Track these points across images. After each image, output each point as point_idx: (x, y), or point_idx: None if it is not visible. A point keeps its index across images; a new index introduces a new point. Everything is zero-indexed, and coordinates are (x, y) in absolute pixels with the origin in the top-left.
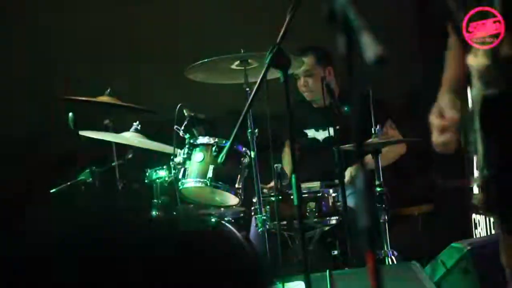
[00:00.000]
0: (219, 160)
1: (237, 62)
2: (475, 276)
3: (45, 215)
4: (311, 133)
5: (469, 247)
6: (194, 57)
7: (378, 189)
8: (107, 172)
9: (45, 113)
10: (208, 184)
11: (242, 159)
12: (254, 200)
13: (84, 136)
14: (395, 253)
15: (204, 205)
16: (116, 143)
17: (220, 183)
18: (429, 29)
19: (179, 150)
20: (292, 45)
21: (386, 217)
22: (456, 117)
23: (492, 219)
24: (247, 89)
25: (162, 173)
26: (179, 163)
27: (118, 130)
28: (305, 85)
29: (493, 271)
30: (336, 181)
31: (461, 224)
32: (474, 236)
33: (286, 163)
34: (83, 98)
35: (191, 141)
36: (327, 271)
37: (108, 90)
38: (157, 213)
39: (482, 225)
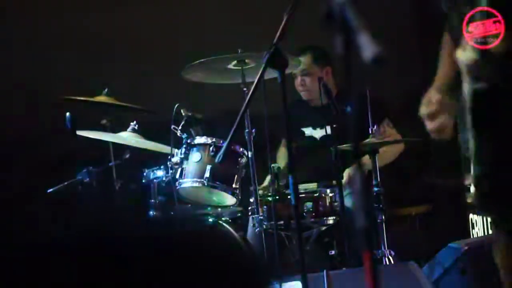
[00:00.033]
0: (216, 160)
1: (234, 62)
2: (472, 276)
3: (44, 216)
4: (308, 131)
5: (466, 247)
6: (192, 57)
7: (376, 189)
8: (104, 172)
9: (42, 113)
10: (206, 184)
11: (239, 159)
12: (251, 200)
13: (81, 136)
14: (393, 253)
15: (202, 205)
16: (114, 143)
17: (217, 183)
18: (428, 29)
19: (176, 150)
20: (289, 45)
21: (383, 217)
22: (443, 99)
23: (489, 219)
24: (245, 89)
25: (160, 173)
26: (176, 163)
27: (115, 130)
28: (302, 84)
29: (491, 272)
30: (334, 182)
31: (458, 224)
32: (472, 236)
33: (281, 159)
34: (81, 98)
35: (189, 141)
36: (324, 271)
37: (106, 90)
38: (154, 213)
39: (479, 225)
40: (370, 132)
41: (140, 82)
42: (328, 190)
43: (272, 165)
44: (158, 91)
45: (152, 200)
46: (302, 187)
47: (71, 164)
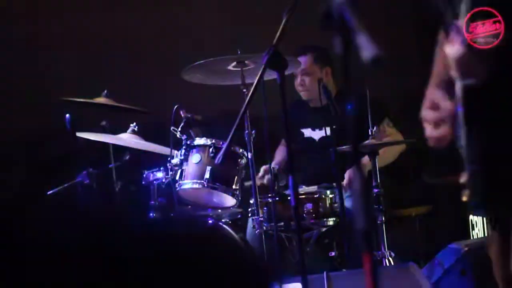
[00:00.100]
0: (216, 161)
1: (234, 63)
2: (472, 277)
3: (45, 217)
4: (307, 132)
5: (466, 248)
6: (191, 58)
7: (376, 190)
8: (104, 174)
9: (43, 113)
10: (205, 185)
11: (239, 160)
12: (251, 201)
13: (81, 137)
14: (393, 254)
15: (201, 207)
16: (113, 145)
17: (217, 184)
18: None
19: (176, 152)
20: (289, 46)
21: (383, 218)
22: (452, 108)
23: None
24: (244, 90)
25: (159, 174)
26: (176, 165)
27: (115, 131)
28: (302, 84)
29: (491, 272)
30: (334, 184)
31: (458, 225)
32: (472, 237)
33: (277, 156)
34: (80, 100)
35: (188, 142)
36: (324, 272)
37: (105, 92)
38: (154, 214)
39: (479, 226)
40: (370, 133)
41: (140, 83)
42: (328, 192)
43: (272, 166)
44: (158, 92)
45: (152, 202)
46: (301, 190)
47: (71, 165)
